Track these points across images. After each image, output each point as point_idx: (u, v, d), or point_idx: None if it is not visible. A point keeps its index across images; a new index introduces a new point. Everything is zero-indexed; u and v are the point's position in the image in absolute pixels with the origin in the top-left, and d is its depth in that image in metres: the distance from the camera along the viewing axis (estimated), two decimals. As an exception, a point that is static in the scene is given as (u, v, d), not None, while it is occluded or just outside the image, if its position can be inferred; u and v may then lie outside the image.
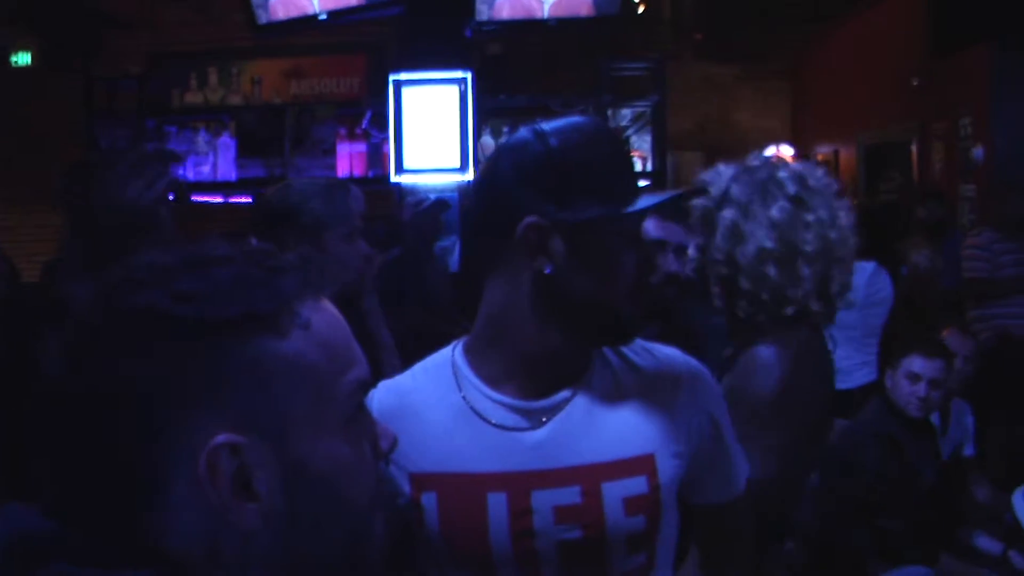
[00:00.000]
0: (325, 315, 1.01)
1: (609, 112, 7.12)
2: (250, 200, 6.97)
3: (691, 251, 2.39)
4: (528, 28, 6.77)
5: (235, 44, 8.61)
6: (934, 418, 4.58)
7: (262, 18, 6.74)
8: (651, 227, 2.93)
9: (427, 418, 1.70)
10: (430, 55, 6.25)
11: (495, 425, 1.66)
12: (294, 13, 6.65)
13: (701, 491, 1.82)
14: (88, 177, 4.06)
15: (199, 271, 0.95)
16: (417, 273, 5.61)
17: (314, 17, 6.64)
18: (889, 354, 4.72)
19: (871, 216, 6.92)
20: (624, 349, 1.76)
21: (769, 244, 2.22)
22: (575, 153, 1.63)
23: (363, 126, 7.29)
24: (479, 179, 1.74)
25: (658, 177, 7.03)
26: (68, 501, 0.93)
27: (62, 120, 8.70)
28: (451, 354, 1.76)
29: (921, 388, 4.19)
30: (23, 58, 8.98)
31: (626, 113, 7.23)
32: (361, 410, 1.05)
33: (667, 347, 1.81)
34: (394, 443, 1.10)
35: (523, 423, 1.66)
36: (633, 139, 7.14)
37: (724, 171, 2.35)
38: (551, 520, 1.64)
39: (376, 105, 7.01)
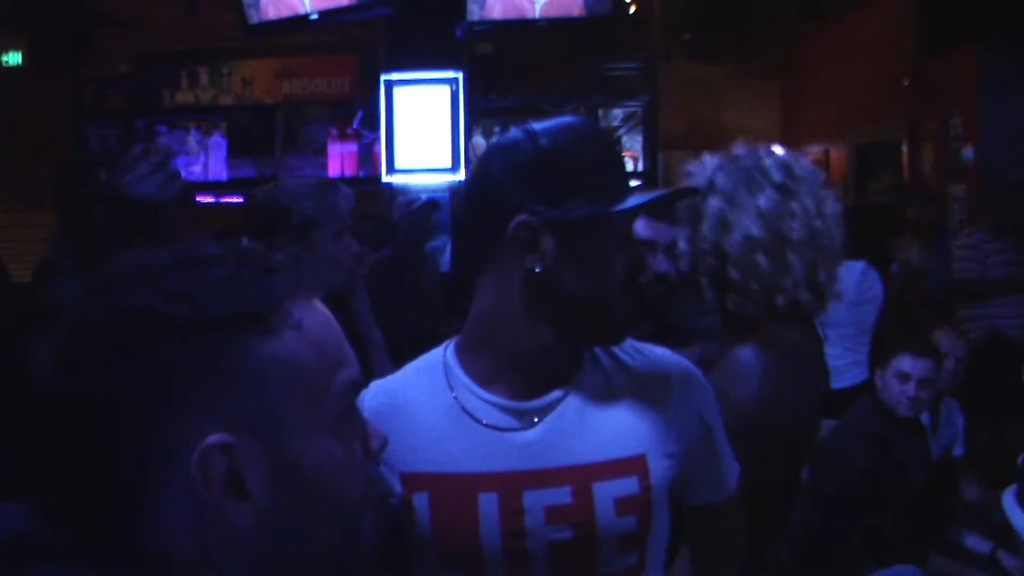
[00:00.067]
0: (317, 315, 1.02)
1: (600, 112, 7.13)
2: (241, 200, 6.97)
3: (681, 244, 2.38)
4: (519, 28, 6.78)
5: (226, 44, 8.60)
6: (924, 418, 4.59)
7: (253, 18, 6.74)
8: (640, 227, 2.93)
9: (418, 418, 1.70)
10: (421, 55, 6.26)
11: (486, 425, 1.66)
12: (285, 13, 6.65)
13: (692, 491, 1.82)
14: (82, 176, 4.07)
15: (191, 271, 0.95)
16: (408, 273, 5.62)
17: (305, 17, 6.64)
18: (879, 353, 4.73)
19: (861, 216, 6.93)
20: (615, 349, 1.76)
21: (756, 232, 2.21)
22: (566, 152, 1.63)
23: (354, 126, 7.29)
24: (470, 178, 1.74)
25: (649, 177, 7.04)
26: (57, 501, 0.93)
27: (52, 120, 8.68)
28: (443, 354, 1.76)
29: (911, 388, 4.20)
30: (13, 57, 8.96)
31: (617, 113, 7.25)
32: (352, 410, 1.05)
33: (658, 347, 1.81)
34: (384, 443, 1.10)
35: (514, 423, 1.66)
36: (624, 139, 7.16)
37: (709, 161, 2.34)
38: (542, 520, 1.64)
39: (367, 105, 7.02)
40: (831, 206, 2.30)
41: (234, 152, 7.44)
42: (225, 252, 0.98)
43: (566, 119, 1.71)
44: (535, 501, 1.64)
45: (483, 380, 1.69)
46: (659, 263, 3.02)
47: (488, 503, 1.64)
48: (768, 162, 2.28)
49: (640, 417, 1.70)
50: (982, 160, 8.18)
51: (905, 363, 4.23)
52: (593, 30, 7.17)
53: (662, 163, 8.13)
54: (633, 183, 1.82)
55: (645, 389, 1.73)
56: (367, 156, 7.27)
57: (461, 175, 6.26)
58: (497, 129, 7.07)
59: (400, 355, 1.93)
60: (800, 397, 2.28)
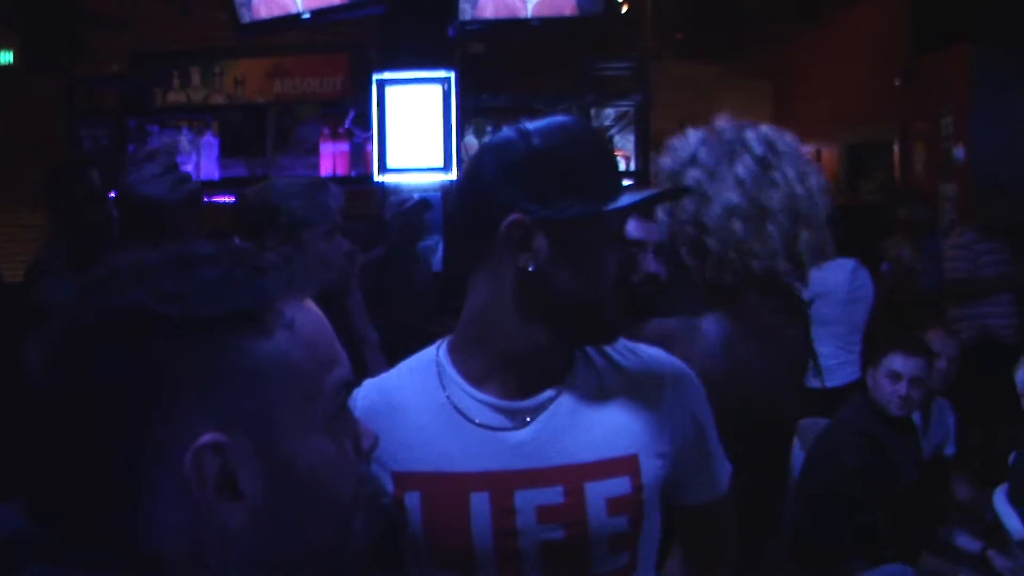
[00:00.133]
0: (309, 315, 1.02)
1: (592, 112, 7.13)
2: (233, 200, 6.97)
3: (660, 214, 2.37)
4: (511, 28, 6.78)
5: (218, 43, 8.58)
6: (916, 417, 4.60)
7: (245, 17, 6.73)
8: (631, 227, 2.92)
9: (411, 417, 1.70)
10: (413, 54, 6.26)
11: (479, 424, 1.66)
12: (277, 12, 6.65)
13: (685, 491, 1.82)
14: (73, 176, 4.06)
15: (184, 271, 0.95)
16: (400, 272, 5.62)
17: (297, 16, 6.63)
18: (871, 353, 4.73)
19: (852, 215, 6.95)
20: (608, 349, 1.76)
21: (734, 200, 2.21)
22: (559, 152, 1.63)
23: (346, 125, 7.28)
24: (463, 177, 1.74)
25: (641, 176, 7.04)
26: (50, 501, 0.93)
27: (43, 119, 8.66)
28: (435, 353, 1.76)
29: (902, 387, 4.21)
30: (5, 57, 8.94)
31: (609, 113, 7.24)
32: (344, 409, 1.05)
33: (651, 347, 1.82)
34: (376, 442, 1.11)
35: (507, 423, 1.67)
36: (616, 138, 7.15)
37: (692, 136, 2.34)
38: (534, 520, 1.64)
39: (359, 104, 7.01)
40: (814, 180, 2.29)
41: (226, 152, 7.43)
42: (217, 252, 0.98)
43: (559, 118, 1.71)
44: (527, 501, 1.64)
45: (475, 379, 1.69)
46: (649, 263, 3.02)
47: (480, 502, 1.64)
48: (750, 135, 2.28)
49: (632, 417, 1.71)
50: (973, 160, 8.20)
51: (896, 362, 4.24)
52: (585, 29, 7.17)
53: (654, 163, 8.10)
54: (625, 183, 1.82)
55: (638, 389, 1.73)
56: (359, 155, 7.26)
57: (453, 175, 6.26)
58: (489, 129, 7.06)
59: (392, 354, 1.93)
60: (771, 370, 2.25)
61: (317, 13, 6.59)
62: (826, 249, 2.32)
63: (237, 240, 2.84)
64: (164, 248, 0.98)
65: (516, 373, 1.68)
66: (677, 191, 2.17)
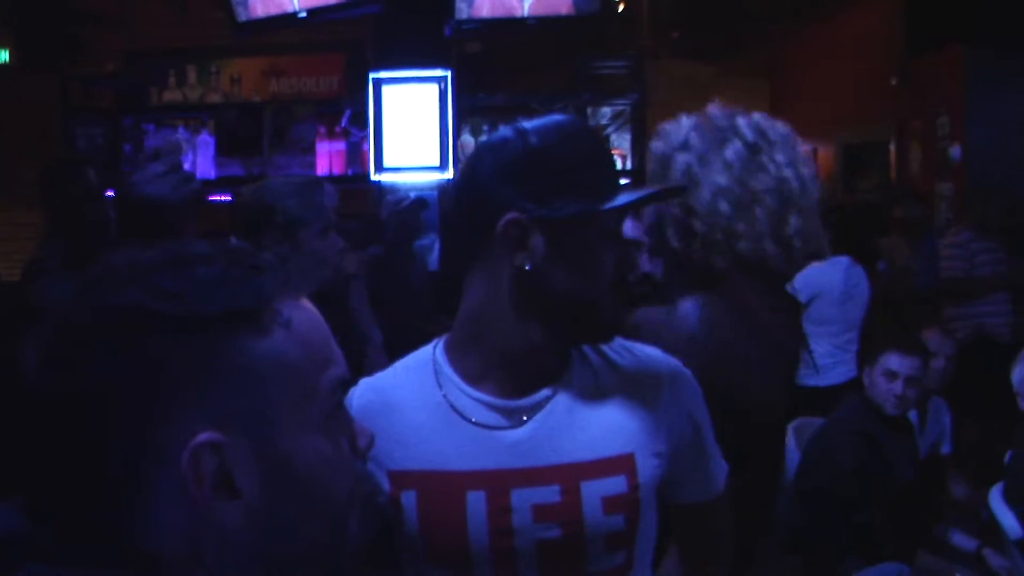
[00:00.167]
0: (305, 313, 1.02)
1: (588, 110, 7.13)
2: (229, 199, 6.97)
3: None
4: (508, 26, 6.78)
5: (214, 42, 8.59)
6: (912, 416, 4.60)
7: (241, 16, 6.73)
8: (626, 226, 2.92)
9: (407, 416, 1.70)
10: (409, 53, 6.26)
11: (475, 423, 1.66)
12: (273, 11, 6.64)
13: (681, 490, 1.82)
14: (69, 175, 4.06)
15: (181, 269, 0.95)
16: (397, 271, 5.62)
17: (293, 15, 6.63)
18: (867, 351, 4.74)
19: (849, 214, 6.95)
20: (605, 348, 1.76)
21: (722, 182, 2.21)
22: (556, 151, 1.63)
23: (342, 124, 7.28)
24: (460, 176, 1.74)
25: (638, 175, 7.04)
26: (46, 501, 0.93)
27: (39, 118, 8.65)
28: (432, 352, 1.76)
29: (898, 386, 4.21)
30: (0, 56, 8.94)
31: (605, 111, 7.25)
32: (340, 408, 1.05)
33: (647, 346, 1.81)
34: (371, 441, 1.11)
35: (503, 421, 1.67)
36: (613, 137, 7.16)
37: (685, 121, 2.33)
38: (530, 518, 1.64)
39: (355, 103, 7.00)
40: (806, 168, 2.28)
41: (222, 151, 7.43)
42: (213, 251, 0.98)
43: (556, 117, 1.71)
44: (523, 499, 1.64)
45: (472, 378, 1.69)
46: (644, 262, 3.02)
47: (476, 501, 1.64)
48: (741, 121, 2.28)
49: (629, 416, 1.71)
50: (969, 159, 8.21)
51: (893, 361, 4.24)
52: (581, 28, 7.17)
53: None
54: (622, 181, 1.81)
55: (634, 388, 1.73)
56: (355, 154, 7.25)
57: (449, 173, 6.26)
58: (485, 127, 7.06)
59: (388, 353, 1.93)
60: (758, 354, 2.23)
61: (313, 12, 6.59)
62: (819, 239, 2.32)
63: (233, 239, 2.84)
64: (160, 247, 0.98)
65: (513, 372, 1.68)
66: (674, 190, 2.16)
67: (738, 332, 2.20)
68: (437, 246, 6.43)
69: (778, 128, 2.31)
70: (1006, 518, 3.90)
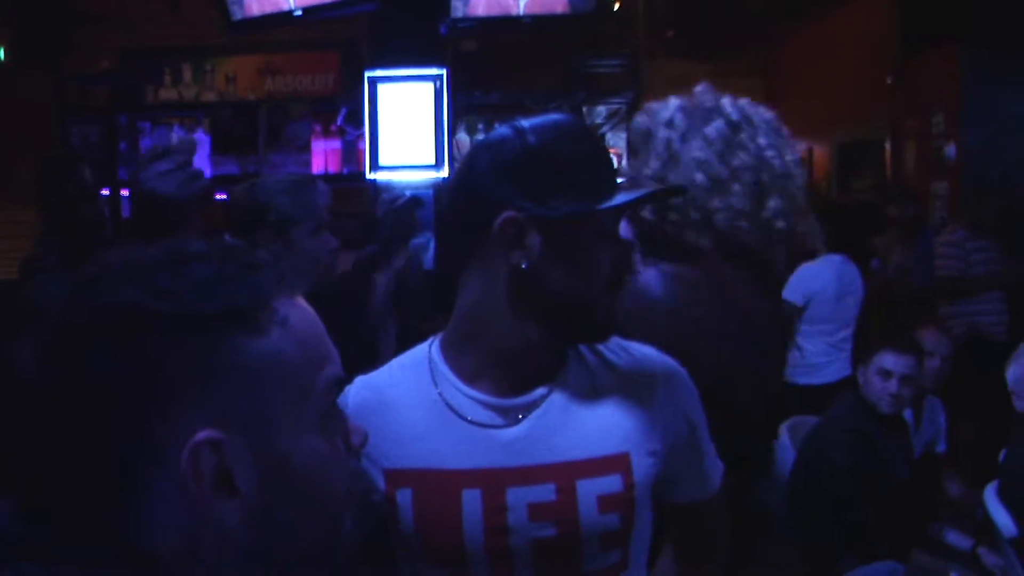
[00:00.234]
0: (300, 312, 1.02)
1: (584, 109, 7.13)
2: (225, 197, 6.97)
3: (623, 167, 2.34)
4: (503, 25, 6.78)
5: (209, 41, 8.57)
6: (907, 415, 4.61)
7: (236, 14, 6.71)
8: (622, 227, 2.91)
9: (403, 414, 1.70)
10: (405, 52, 6.26)
11: (470, 422, 1.67)
12: (269, 9, 6.63)
13: (676, 490, 1.82)
14: (65, 173, 4.06)
15: (177, 268, 0.95)
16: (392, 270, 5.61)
17: (289, 13, 6.62)
18: (862, 350, 4.74)
19: (844, 213, 6.96)
20: (600, 347, 1.76)
21: (700, 156, 2.20)
22: (554, 150, 1.63)
23: (338, 123, 7.28)
24: (457, 174, 1.74)
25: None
26: (42, 500, 0.93)
27: (34, 116, 8.65)
28: (427, 350, 1.76)
29: (892, 384, 4.21)
30: (-5, 54, 8.93)
31: (601, 110, 7.26)
32: (335, 407, 1.05)
33: (643, 346, 1.82)
34: (365, 439, 1.11)
35: (498, 420, 1.67)
36: (608, 136, 7.17)
37: (673, 101, 2.33)
38: (525, 517, 1.64)
39: (351, 102, 7.01)
40: (789, 153, 2.27)
41: (217, 149, 7.43)
42: (209, 249, 0.98)
43: (554, 116, 1.71)
44: (518, 498, 1.64)
45: (468, 377, 1.69)
46: (639, 262, 3.01)
47: (472, 500, 1.64)
48: (727, 103, 2.28)
49: (624, 415, 1.71)
50: (964, 158, 8.21)
51: (887, 360, 4.24)
52: (577, 27, 7.17)
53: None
54: (620, 180, 1.81)
55: (630, 387, 1.73)
56: (351, 153, 7.27)
57: (445, 172, 6.25)
58: (481, 126, 7.07)
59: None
60: (729, 332, 2.18)
61: (309, 10, 6.58)
62: (801, 223, 2.30)
63: (228, 238, 2.84)
64: (156, 246, 0.98)
65: (508, 370, 1.68)
66: (672, 190, 2.16)
67: (712, 307, 2.17)
68: (433, 244, 6.43)
69: (763, 113, 2.30)
70: (1001, 517, 3.91)
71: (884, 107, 9.70)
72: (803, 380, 6.21)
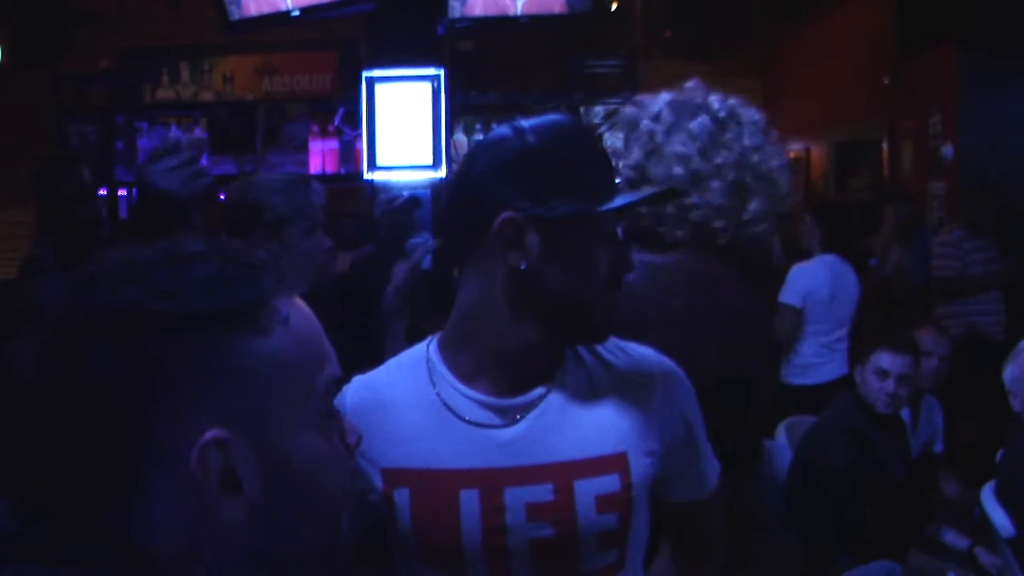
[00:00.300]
0: (300, 312, 1.02)
1: (581, 109, 7.13)
2: (222, 197, 6.96)
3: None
4: (501, 25, 6.77)
5: (207, 40, 8.57)
6: (905, 415, 4.61)
7: (234, 14, 6.70)
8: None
9: (400, 414, 1.70)
10: (402, 52, 6.24)
11: (468, 422, 1.67)
12: (266, 9, 6.62)
13: (673, 489, 1.82)
14: (63, 173, 4.05)
15: (178, 268, 0.95)
16: (389, 270, 5.60)
17: (286, 14, 6.61)
18: (859, 350, 4.74)
19: (841, 213, 6.96)
20: (598, 347, 1.76)
21: (681, 150, 2.19)
22: (553, 150, 1.63)
23: (335, 123, 7.28)
24: (456, 174, 1.73)
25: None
26: (41, 500, 0.93)
27: (32, 116, 8.64)
28: (425, 349, 1.76)
29: (890, 384, 4.22)
30: (-7, 53, 8.92)
31: (598, 110, 7.25)
32: (333, 406, 1.05)
33: (641, 346, 1.82)
34: (359, 439, 1.11)
35: (496, 420, 1.67)
36: (606, 136, 7.16)
37: (664, 95, 2.33)
38: (523, 517, 1.64)
39: (348, 102, 7.00)
40: (775, 157, 2.27)
41: (214, 149, 7.42)
42: (209, 249, 0.98)
43: (554, 117, 1.71)
44: (516, 498, 1.64)
45: (466, 376, 1.69)
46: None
47: (469, 499, 1.64)
48: (715, 100, 2.27)
49: (622, 415, 1.71)
50: (961, 158, 8.21)
51: (884, 360, 4.24)
52: (574, 27, 7.16)
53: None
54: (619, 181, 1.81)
55: (627, 387, 1.73)
56: (348, 153, 7.26)
57: (442, 172, 6.25)
58: (478, 126, 7.07)
59: (381, 351, 1.93)
60: (704, 326, 2.15)
61: (306, 10, 6.57)
62: (775, 233, 2.30)
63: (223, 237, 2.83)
64: (155, 245, 0.98)
65: (506, 370, 1.68)
66: (672, 192, 2.16)
67: (686, 297, 2.15)
68: (431, 244, 6.42)
69: (752, 114, 2.30)
70: (998, 516, 3.91)
71: (881, 107, 9.70)
72: (797, 381, 6.22)
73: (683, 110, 2.26)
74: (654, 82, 2.53)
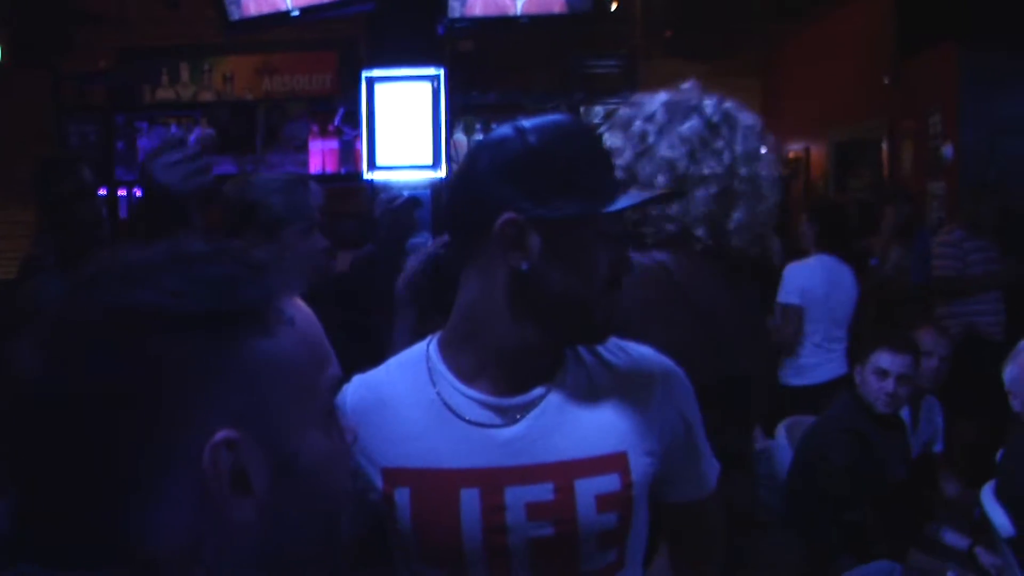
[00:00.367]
0: (302, 312, 1.02)
1: (581, 109, 7.12)
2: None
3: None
4: (501, 25, 6.76)
5: (206, 40, 8.57)
6: (905, 415, 4.61)
7: (234, 14, 6.70)
8: None
9: (401, 413, 1.70)
10: (402, 52, 6.24)
11: (468, 421, 1.67)
12: (266, 9, 6.62)
13: (673, 489, 1.82)
14: (62, 173, 4.05)
15: (184, 268, 0.95)
16: (389, 270, 5.60)
17: (286, 14, 6.61)
18: (858, 350, 4.74)
19: (840, 212, 6.97)
20: (598, 347, 1.76)
21: (668, 155, 2.19)
22: (555, 150, 1.63)
23: (335, 123, 7.27)
24: (457, 174, 1.73)
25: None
26: (43, 501, 0.92)
27: (31, 116, 8.63)
28: (425, 349, 1.76)
29: (889, 384, 4.22)
30: (-7, 53, 8.92)
31: (598, 110, 7.25)
32: (334, 405, 1.06)
33: (641, 346, 1.82)
34: (355, 439, 1.11)
35: (496, 419, 1.67)
36: (606, 136, 7.15)
37: (661, 95, 2.32)
38: (523, 516, 1.64)
39: (348, 102, 6.99)
40: (766, 167, 2.26)
41: (214, 149, 7.41)
42: (212, 250, 0.98)
43: (555, 117, 1.71)
44: (517, 497, 1.64)
45: (466, 376, 1.69)
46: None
47: (470, 499, 1.64)
48: (709, 102, 2.26)
49: (622, 415, 1.71)
50: (961, 158, 8.22)
51: (883, 359, 4.24)
52: (574, 27, 7.15)
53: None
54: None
55: (627, 387, 1.74)
56: (348, 153, 7.26)
57: (442, 172, 6.25)
58: (478, 126, 7.06)
59: (381, 351, 1.93)
60: (671, 320, 2.13)
61: (306, 10, 6.57)
62: (765, 241, 2.29)
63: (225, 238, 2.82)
64: (159, 246, 0.98)
65: (506, 370, 1.68)
66: (673, 194, 2.15)
67: (657, 293, 2.14)
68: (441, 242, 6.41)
69: (748, 119, 2.29)
70: (998, 516, 3.91)
71: (881, 107, 9.71)
72: (794, 381, 6.22)
73: (676, 111, 2.25)
74: (654, 82, 2.52)
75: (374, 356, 1.83)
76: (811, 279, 6.22)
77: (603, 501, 1.66)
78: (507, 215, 1.59)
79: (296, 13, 6.56)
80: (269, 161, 7.26)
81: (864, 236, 7.99)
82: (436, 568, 1.69)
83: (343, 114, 7.21)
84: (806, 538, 4.13)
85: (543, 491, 1.64)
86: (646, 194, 2.01)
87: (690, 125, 2.21)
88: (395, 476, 1.67)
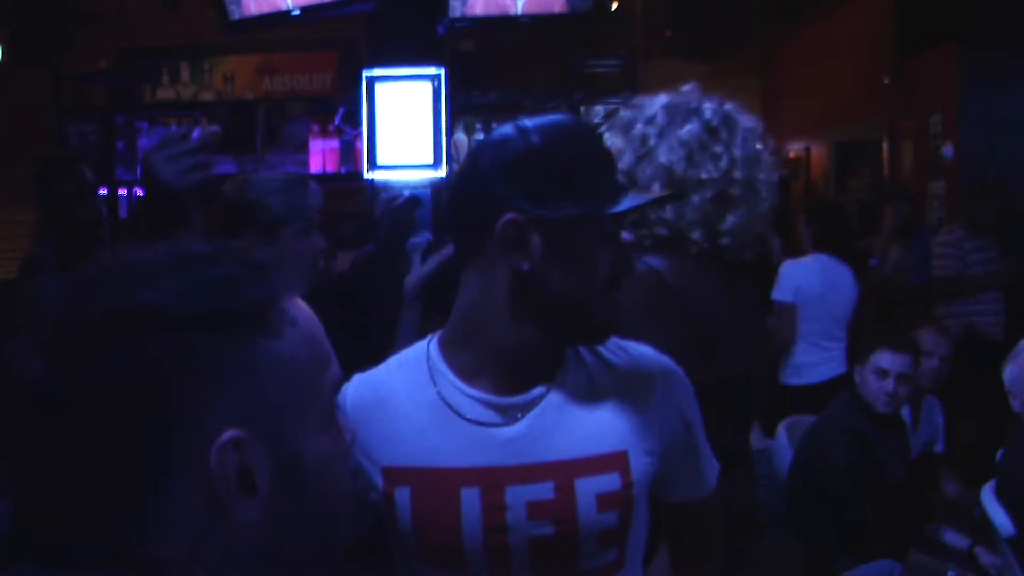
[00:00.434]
0: (304, 312, 1.02)
1: (581, 109, 7.13)
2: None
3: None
4: (501, 24, 6.76)
5: (207, 40, 8.57)
6: (905, 415, 4.61)
7: (234, 14, 6.70)
8: None
9: (401, 412, 1.70)
10: (403, 51, 6.24)
11: (469, 420, 1.67)
12: (266, 9, 6.62)
13: (673, 488, 1.83)
14: (62, 173, 4.05)
15: (185, 268, 0.95)
16: (390, 269, 5.61)
17: (287, 13, 6.61)
18: (858, 350, 4.74)
19: (840, 212, 6.97)
20: (598, 346, 1.76)
21: (666, 160, 2.19)
22: (557, 151, 1.63)
23: (336, 122, 7.28)
24: (459, 174, 1.73)
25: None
26: (44, 502, 0.92)
27: (31, 116, 8.64)
28: (426, 348, 1.76)
29: (889, 384, 4.22)
30: (-8, 53, 8.92)
31: (599, 110, 7.25)
32: (336, 406, 1.06)
33: (641, 345, 1.82)
34: (353, 438, 1.11)
35: (497, 419, 1.67)
36: (606, 136, 7.16)
37: (662, 97, 2.31)
38: (524, 515, 1.64)
39: (349, 101, 7.00)
40: (763, 171, 2.26)
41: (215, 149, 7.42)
42: (214, 250, 0.98)
43: (557, 117, 1.70)
44: (517, 496, 1.64)
45: (466, 375, 1.69)
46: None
47: (470, 498, 1.64)
48: (709, 105, 2.26)
49: (622, 414, 1.71)
50: (961, 158, 8.22)
51: (883, 359, 4.24)
52: (575, 27, 7.16)
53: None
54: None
55: (627, 386, 1.74)
56: (349, 152, 7.26)
57: (443, 171, 6.25)
58: (479, 126, 7.07)
59: (382, 351, 1.93)
60: (660, 320, 2.12)
61: (307, 10, 6.57)
62: (759, 243, 2.29)
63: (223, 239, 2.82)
64: (160, 246, 0.98)
65: (507, 369, 1.68)
66: (675, 196, 2.15)
67: (643, 293, 2.12)
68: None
69: (748, 122, 2.29)
70: (998, 516, 3.91)
71: (882, 107, 9.71)
72: (793, 381, 6.22)
73: (676, 114, 2.25)
74: (654, 82, 2.52)
75: (374, 356, 1.83)
76: (807, 278, 6.22)
77: (603, 500, 1.66)
78: (508, 215, 1.59)
79: (296, 12, 6.56)
80: (269, 161, 7.26)
81: (864, 236, 7.99)
82: (436, 567, 1.69)
83: (343, 114, 7.21)
84: (806, 538, 4.14)
85: (543, 490, 1.64)
86: (648, 196, 2.01)
87: (689, 129, 2.21)
88: (395, 475, 1.68)
